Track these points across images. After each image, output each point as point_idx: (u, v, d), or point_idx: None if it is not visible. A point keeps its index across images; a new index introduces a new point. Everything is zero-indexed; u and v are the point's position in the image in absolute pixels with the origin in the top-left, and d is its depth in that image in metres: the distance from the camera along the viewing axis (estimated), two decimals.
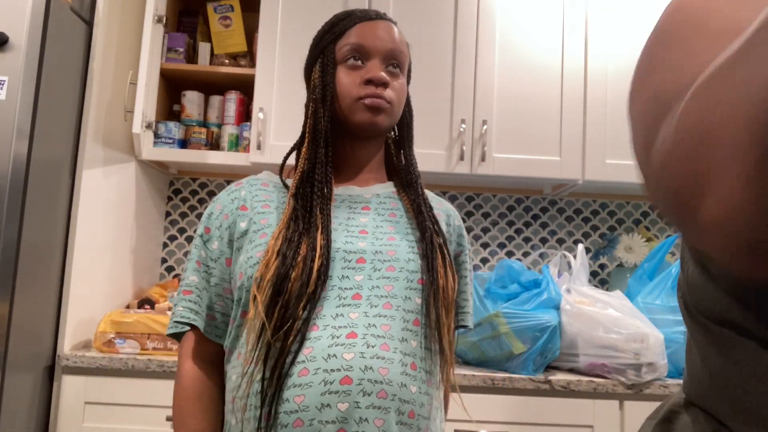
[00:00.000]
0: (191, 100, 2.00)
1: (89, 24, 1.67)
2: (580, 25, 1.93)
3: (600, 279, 2.21)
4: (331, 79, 0.88)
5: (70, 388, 1.55)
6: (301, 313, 0.76)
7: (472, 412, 1.53)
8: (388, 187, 0.96)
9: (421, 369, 0.79)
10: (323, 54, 0.91)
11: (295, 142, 0.94)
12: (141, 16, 1.89)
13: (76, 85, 1.63)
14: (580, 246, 1.76)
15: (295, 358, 0.75)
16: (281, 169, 0.94)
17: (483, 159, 1.86)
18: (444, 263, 0.86)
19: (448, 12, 1.93)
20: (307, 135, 0.90)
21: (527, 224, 2.22)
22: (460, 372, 1.55)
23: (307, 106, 0.91)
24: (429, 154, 1.87)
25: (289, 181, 0.94)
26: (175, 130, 1.92)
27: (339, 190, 0.92)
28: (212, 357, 0.89)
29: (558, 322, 1.57)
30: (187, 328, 0.89)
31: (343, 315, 0.78)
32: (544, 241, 2.22)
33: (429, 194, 0.99)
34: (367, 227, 0.87)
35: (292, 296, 0.76)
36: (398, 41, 0.90)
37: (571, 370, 1.64)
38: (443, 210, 0.98)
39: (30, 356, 1.48)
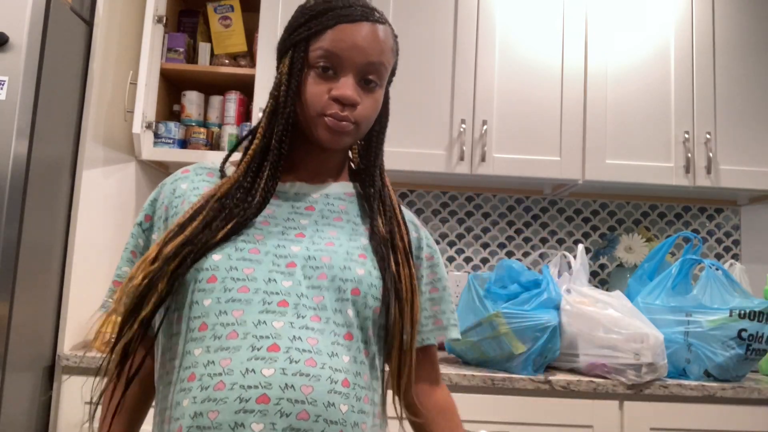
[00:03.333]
0: (191, 100, 2.00)
1: (89, 24, 1.67)
2: (580, 25, 1.93)
3: (600, 279, 2.21)
4: (296, 82, 0.81)
5: (70, 388, 1.55)
6: (129, 320, 0.73)
7: (472, 412, 1.53)
8: (343, 188, 0.89)
9: (355, 385, 0.73)
10: (294, 49, 0.82)
11: (245, 135, 0.87)
12: (141, 16, 1.89)
13: (76, 85, 1.63)
14: (580, 246, 1.76)
15: (132, 377, 0.77)
16: (225, 159, 0.87)
17: (483, 159, 1.86)
18: (397, 261, 0.81)
19: (448, 12, 1.93)
20: (258, 133, 0.83)
21: (527, 224, 2.22)
22: (461, 372, 1.55)
23: (270, 97, 0.83)
24: (429, 154, 1.87)
25: (231, 171, 0.87)
26: (175, 130, 1.92)
27: (286, 187, 0.86)
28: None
29: (558, 322, 1.57)
30: None
31: (266, 323, 0.72)
32: (544, 241, 2.22)
33: (403, 208, 0.93)
34: (306, 230, 0.81)
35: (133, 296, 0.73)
36: (381, 51, 0.81)
37: (571, 370, 1.64)
38: (410, 220, 0.91)
39: (30, 356, 1.48)
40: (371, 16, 0.82)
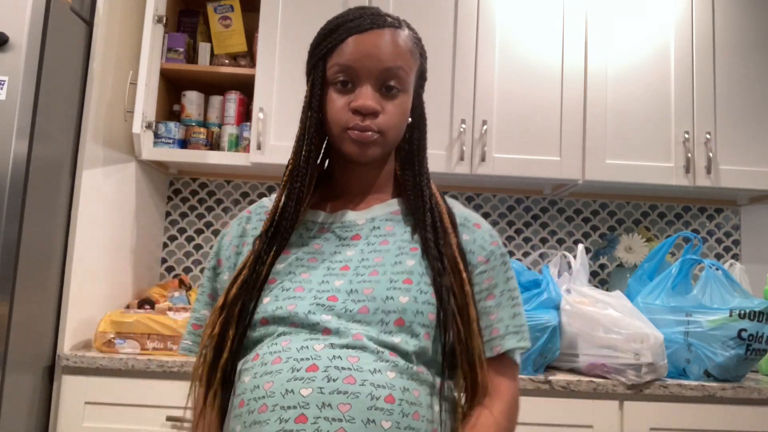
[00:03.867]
0: (191, 100, 2.00)
1: (89, 24, 1.67)
2: (580, 25, 1.93)
3: (600, 279, 2.21)
4: (317, 101, 0.82)
5: (70, 388, 1.55)
6: (208, 377, 0.79)
7: None
8: (389, 207, 0.87)
9: (402, 401, 0.71)
10: (314, 70, 0.83)
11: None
12: (141, 16, 1.89)
13: (76, 85, 1.63)
14: (580, 246, 1.76)
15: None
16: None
17: (483, 159, 1.86)
18: (450, 283, 0.78)
19: (448, 12, 1.93)
20: (290, 163, 0.84)
21: (527, 224, 2.22)
22: None
23: (299, 123, 0.86)
24: (429, 154, 1.86)
25: None
26: (175, 130, 1.92)
27: (332, 218, 0.86)
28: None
29: (558, 322, 1.57)
30: None
31: (308, 347, 0.73)
32: (544, 241, 2.22)
33: (456, 207, 0.89)
34: (351, 262, 0.80)
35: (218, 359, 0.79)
36: (396, 55, 0.81)
37: (571, 370, 1.64)
38: (462, 223, 0.87)
39: (30, 356, 1.48)
40: (382, 23, 0.82)
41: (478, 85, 1.90)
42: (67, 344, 1.59)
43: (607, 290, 1.98)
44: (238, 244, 0.88)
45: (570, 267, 1.78)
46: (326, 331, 0.74)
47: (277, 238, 0.82)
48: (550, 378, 1.54)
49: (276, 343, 0.75)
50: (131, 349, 1.59)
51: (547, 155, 1.89)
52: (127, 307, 1.79)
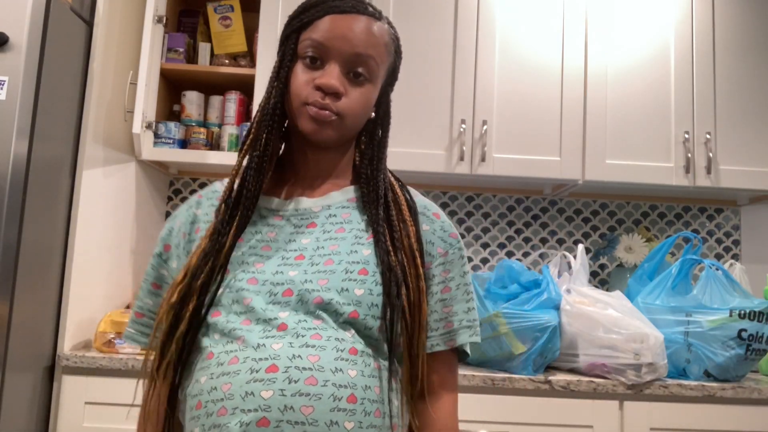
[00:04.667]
0: (191, 101, 2.00)
1: (89, 24, 1.67)
2: (580, 25, 1.93)
3: (600, 279, 2.21)
4: (285, 73, 0.80)
5: (70, 388, 1.55)
6: (162, 353, 0.76)
7: (472, 412, 1.53)
8: (345, 194, 0.86)
9: (364, 400, 0.71)
10: (287, 41, 0.82)
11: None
12: (141, 16, 1.89)
13: (76, 85, 1.63)
14: (580, 246, 1.76)
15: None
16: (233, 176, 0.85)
17: (483, 159, 1.86)
18: (402, 264, 0.78)
19: (448, 12, 1.93)
20: (251, 131, 0.82)
21: (527, 224, 2.22)
22: (461, 372, 1.54)
23: (265, 92, 0.83)
24: (429, 155, 1.87)
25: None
26: (175, 130, 1.92)
27: (288, 204, 0.84)
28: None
29: (558, 322, 1.57)
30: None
31: (266, 346, 0.71)
32: (544, 241, 2.22)
33: (416, 197, 0.89)
34: (306, 250, 0.79)
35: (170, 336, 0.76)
36: (369, 43, 0.79)
37: (571, 371, 1.64)
38: (422, 211, 0.87)
39: (30, 356, 1.48)
40: (364, 9, 0.81)
41: (478, 85, 1.90)
42: (67, 344, 1.59)
43: (607, 290, 1.98)
44: (189, 231, 0.84)
45: (570, 267, 1.78)
46: (282, 326, 0.72)
47: (239, 207, 0.80)
48: (550, 378, 1.54)
49: (231, 341, 0.73)
50: (131, 349, 1.59)
51: (547, 155, 1.89)
52: (127, 307, 1.79)
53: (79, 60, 1.64)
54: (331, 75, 0.78)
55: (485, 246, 2.21)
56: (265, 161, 0.81)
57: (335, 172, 0.87)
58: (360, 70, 0.80)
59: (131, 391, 1.54)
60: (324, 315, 0.74)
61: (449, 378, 0.85)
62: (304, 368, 0.69)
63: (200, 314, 0.76)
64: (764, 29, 1.96)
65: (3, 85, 1.38)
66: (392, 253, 0.78)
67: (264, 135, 0.81)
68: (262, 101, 0.83)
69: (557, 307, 1.61)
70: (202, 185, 2.21)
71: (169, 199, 2.21)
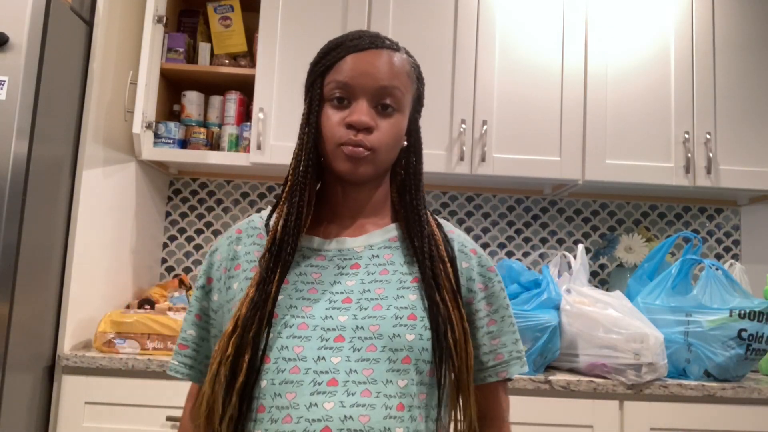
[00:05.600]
0: (191, 100, 2.00)
1: (89, 24, 1.67)
2: (580, 25, 1.93)
3: (600, 279, 2.21)
4: (315, 119, 0.82)
5: (70, 388, 1.55)
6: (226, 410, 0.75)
7: None
8: (387, 233, 0.87)
9: None
10: (312, 89, 0.84)
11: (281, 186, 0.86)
12: (141, 16, 1.89)
13: (76, 85, 1.63)
14: (580, 246, 1.76)
15: None
16: (269, 215, 0.86)
17: (483, 159, 1.86)
18: (446, 306, 0.80)
19: (448, 12, 1.93)
20: (288, 180, 0.84)
21: (527, 224, 2.22)
22: None
23: (297, 140, 0.86)
24: (429, 155, 1.87)
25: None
26: (175, 130, 1.92)
27: (330, 245, 0.85)
28: None
29: (558, 322, 1.57)
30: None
31: (317, 405, 0.72)
32: (544, 241, 2.22)
33: (453, 233, 0.90)
34: (353, 293, 0.79)
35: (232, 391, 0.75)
36: (393, 75, 0.81)
37: (571, 370, 1.64)
38: (460, 249, 0.88)
39: (30, 356, 1.48)
40: (381, 43, 0.83)
41: (478, 86, 1.90)
42: (67, 344, 1.59)
43: (607, 290, 1.98)
44: (229, 267, 0.86)
45: (570, 267, 1.78)
46: (332, 381, 0.73)
47: (282, 255, 0.81)
48: (550, 378, 1.54)
49: (281, 396, 0.74)
50: (131, 349, 1.59)
51: (547, 155, 1.89)
52: (127, 307, 1.79)
53: (79, 60, 1.64)
54: (361, 111, 0.80)
55: (485, 246, 2.21)
56: (304, 208, 0.82)
57: (373, 209, 0.88)
58: (387, 101, 0.81)
59: (131, 391, 1.54)
60: (375, 364, 0.75)
61: (502, 408, 0.88)
62: (354, 430, 0.71)
63: (256, 365, 0.76)
64: (764, 29, 1.96)
65: (3, 85, 1.38)
66: (439, 302, 0.79)
67: (301, 181, 0.82)
68: (296, 148, 0.84)
69: (557, 307, 1.61)
70: (203, 185, 2.21)
71: (169, 199, 2.21)
